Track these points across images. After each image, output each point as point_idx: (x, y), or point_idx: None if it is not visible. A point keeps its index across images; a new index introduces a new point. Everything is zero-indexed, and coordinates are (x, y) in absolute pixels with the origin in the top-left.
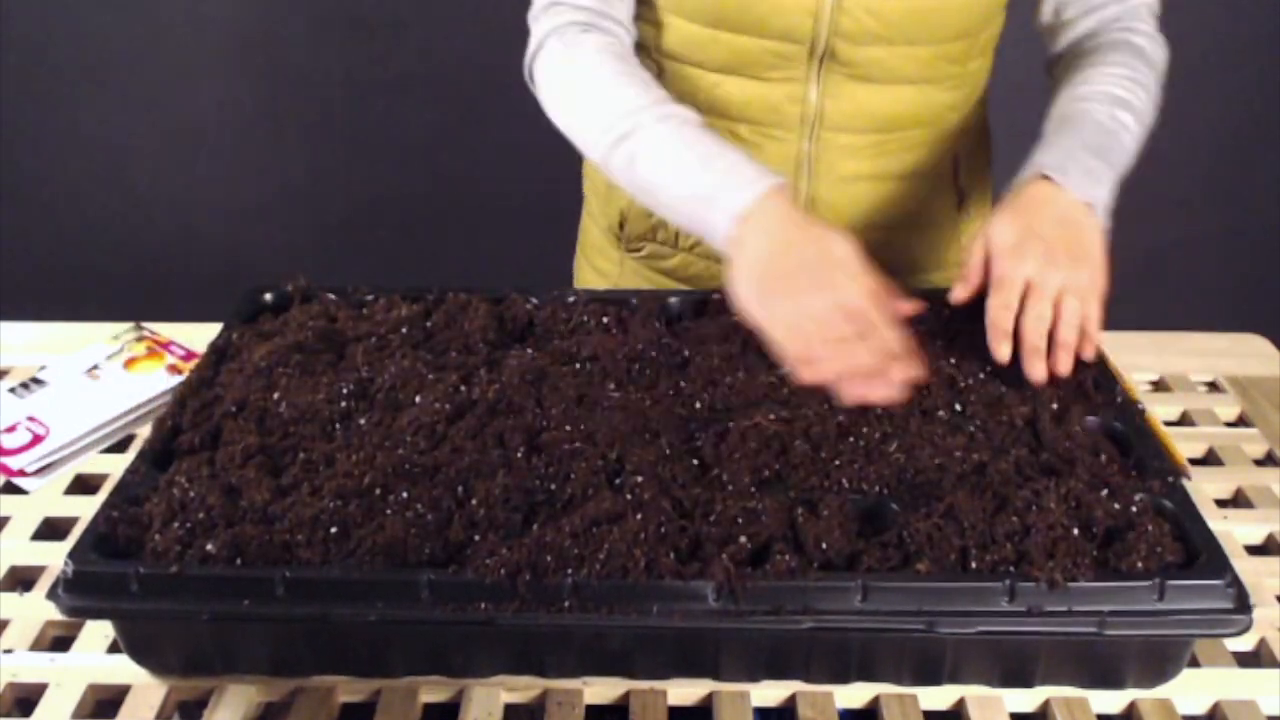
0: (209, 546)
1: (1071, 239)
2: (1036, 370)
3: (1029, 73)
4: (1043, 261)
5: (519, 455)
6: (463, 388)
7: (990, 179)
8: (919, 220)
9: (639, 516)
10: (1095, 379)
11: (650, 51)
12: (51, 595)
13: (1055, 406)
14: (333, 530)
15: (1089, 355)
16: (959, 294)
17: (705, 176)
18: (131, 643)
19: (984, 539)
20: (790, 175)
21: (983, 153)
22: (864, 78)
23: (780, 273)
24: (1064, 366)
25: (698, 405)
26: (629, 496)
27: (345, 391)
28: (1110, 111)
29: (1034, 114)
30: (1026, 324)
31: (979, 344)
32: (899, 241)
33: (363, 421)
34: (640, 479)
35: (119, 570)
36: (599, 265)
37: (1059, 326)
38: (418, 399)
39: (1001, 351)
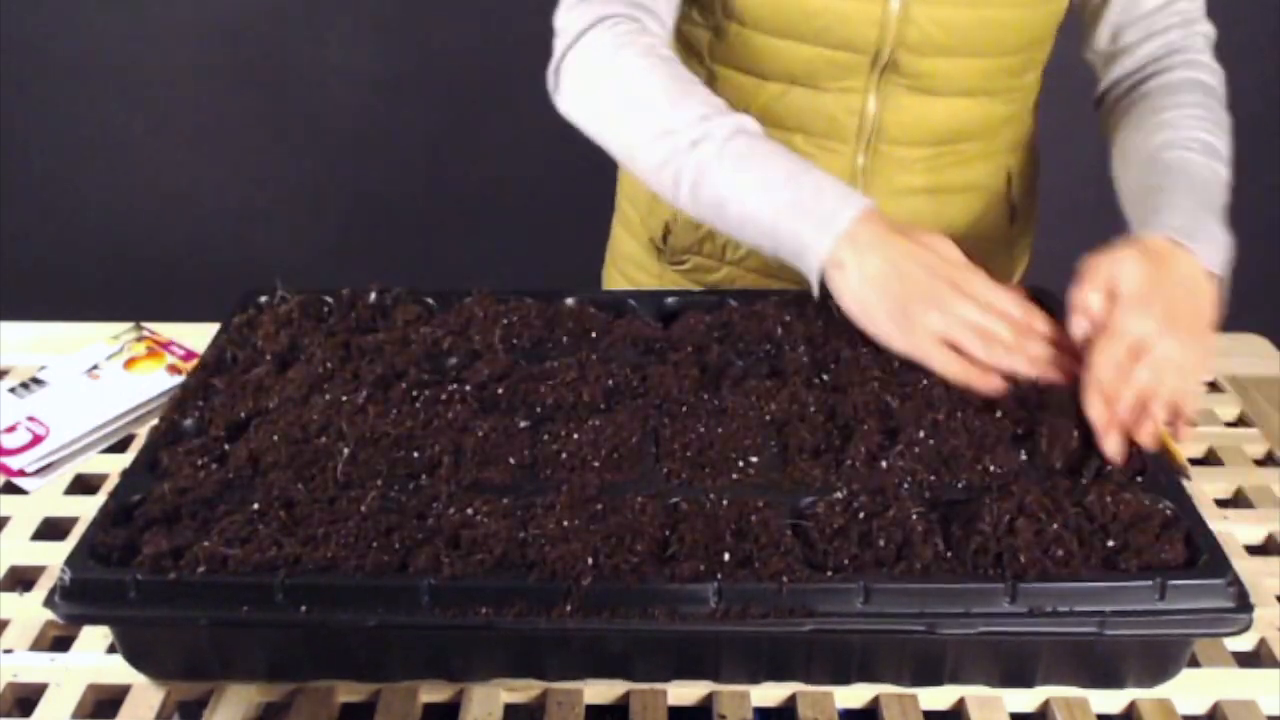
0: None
1: (1193, 308)
2: (1112, 444)
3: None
4: (1162, 324)
5: (518, 459)
6: (464, 390)
7: (1038, 194)
8: (971, 234)
9: (638, 518)
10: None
11: (703, 58)
12: (49, 603)
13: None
14: (334, 534)
15: (1183, 436)
16: (1078, 330)
17: (791, 194)
18: (130, 648)
19: (985, 539)
20: None
21: (1032, 167)
22: (923, 89)
23: (909, 288)
24: (1147, 438)
25: (695, 406)
26: (628, 498)
27: (345, 397)
28: (1210, 164)
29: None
30: (1128, 393)
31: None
32: None
33: (363, 423)
34: (639, 481)
35: (116, 577)
36: (635, 278)
37: (1153, 401)
38: (419, 402)
39: (1097, 410)
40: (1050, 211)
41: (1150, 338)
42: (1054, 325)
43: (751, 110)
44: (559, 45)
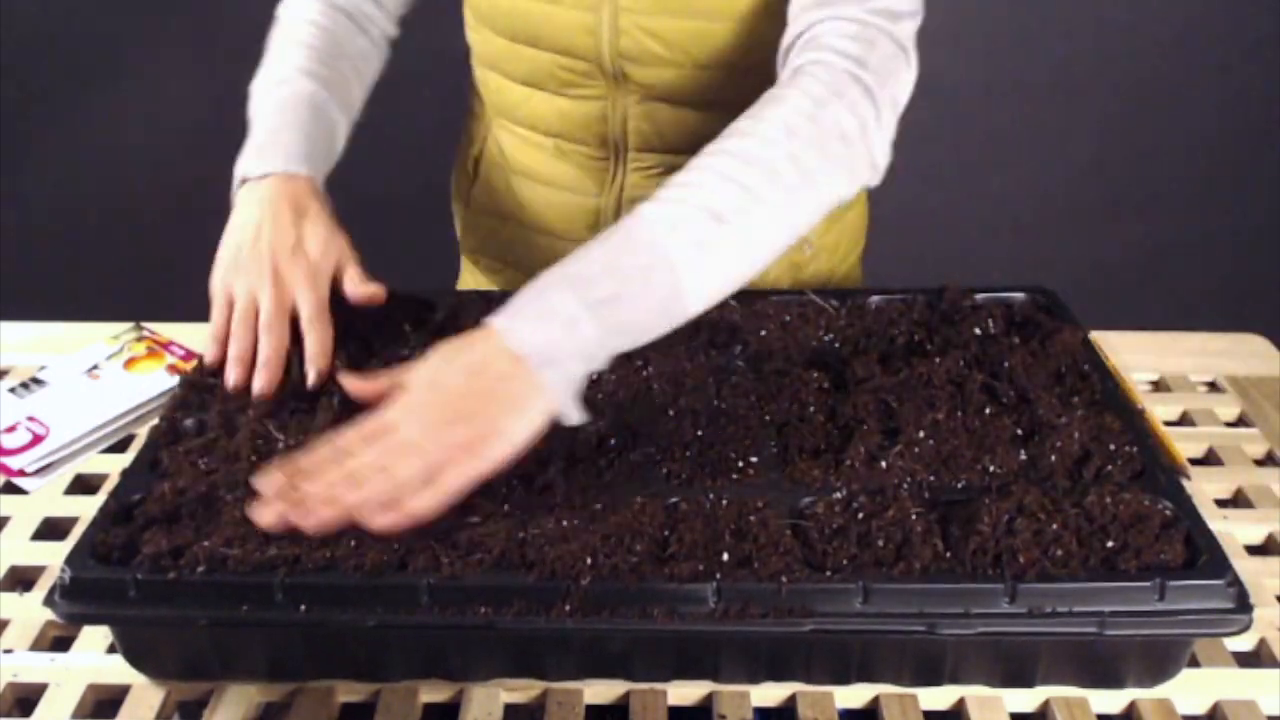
0: (206, 548)
1: (475, 390)
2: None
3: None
4: (408, 412)
5: (517, 459)
6: None
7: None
8: None
9: (638, 518)
10: (1093, 378)
11: (477, 62)
12: (49, 602)
13: (1056, 411)
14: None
15: (375, 524)
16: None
17: (256, 136)
18: (129, 648)
19: (984, 539)
20: (603, 194)
21: None
22: (661, 99)
23: (250, 246)
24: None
25: (696, 406)
26: (628, 498)
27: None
28: (659, 212)
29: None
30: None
31: (974, 346)
32: None
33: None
34: (639, 481)
35: (116, 576)
36: (465, 280)
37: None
38: None
39: (263, 516)
40: (1051, 212)
41: (387, 422)
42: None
43: (511, 114)
44: None
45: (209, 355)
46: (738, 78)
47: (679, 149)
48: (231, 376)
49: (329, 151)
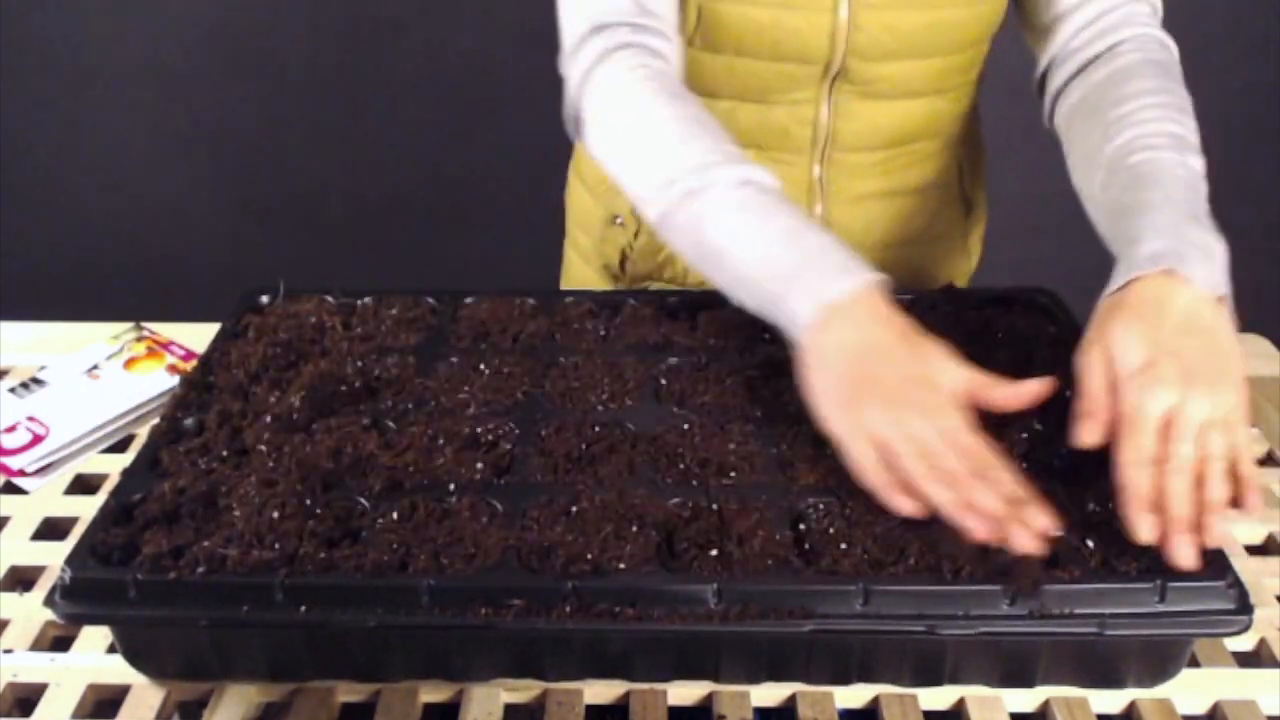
0: (206, 548)
1: (1207, 351)
2: (1184, 554)
3: (1013, 72)
4: (1181, 387)
5: (517, 457)
6: (461, 389)
7: (985, 183)
8: (930, 233)
9: (639, 518)
10: None
11: None
12: (49, 602)
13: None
14: (330, 535)
15: (1254, 506)
16: (1088, 436)
17: (789, 254)
18: (129, 648)
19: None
20: (802, 199)
21: (980, 159)
22: (874, 94)
23: (872, 377)
24: (1213, 538)
25: (696, 406)
26: (628, 497)
27: (341, 391)
28: (1182, 161)
29: (1023, 116)
30: (1172, 487)
31: (978, 348)
32: (912, 257)
33: (358, 424)
34: (639, 480)
35: (116, 577)
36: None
37: (1207, 481)
38: (414, 403)
39: (1145, 531)
40: (1051, 212)
41: (1174, 409)
42: (1013, 479)
43: None
44: (569, 91)
45: (898, 503)
46: (954, 66)
47: (883, 144)
48: (981, 530)
49: None
